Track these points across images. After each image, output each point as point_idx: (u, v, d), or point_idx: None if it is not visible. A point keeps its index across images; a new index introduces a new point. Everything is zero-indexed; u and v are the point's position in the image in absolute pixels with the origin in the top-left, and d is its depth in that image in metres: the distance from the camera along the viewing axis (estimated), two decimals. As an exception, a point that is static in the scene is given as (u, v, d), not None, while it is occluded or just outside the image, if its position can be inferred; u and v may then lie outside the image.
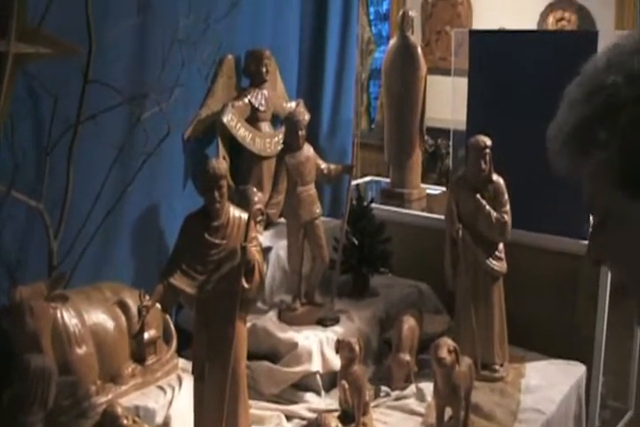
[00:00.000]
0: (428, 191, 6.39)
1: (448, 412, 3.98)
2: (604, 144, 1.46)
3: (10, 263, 4.10)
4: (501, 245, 4.61)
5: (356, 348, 4.04)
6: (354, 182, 5.52)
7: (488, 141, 4.49)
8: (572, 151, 1.57)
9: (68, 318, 3.87)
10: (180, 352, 4.38)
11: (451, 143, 6.38)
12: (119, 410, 3.46)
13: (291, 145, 4.67)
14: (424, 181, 6.73)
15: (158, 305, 3.72)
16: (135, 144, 4.37)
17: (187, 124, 4.86)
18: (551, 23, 8.69)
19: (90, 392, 3.86)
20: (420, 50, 6.14)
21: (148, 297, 3.59)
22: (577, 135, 1.53)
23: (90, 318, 3.98)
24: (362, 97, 8.77)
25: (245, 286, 3.57)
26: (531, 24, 8.67)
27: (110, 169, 4.23)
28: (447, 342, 3.84)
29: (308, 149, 4.71)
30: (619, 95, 1.42)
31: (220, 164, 3.68)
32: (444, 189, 6.35)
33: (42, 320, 3.66)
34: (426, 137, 7.23)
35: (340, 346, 4.08)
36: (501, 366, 4.68)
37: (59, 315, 3.82)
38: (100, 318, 4.03)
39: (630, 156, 1.42)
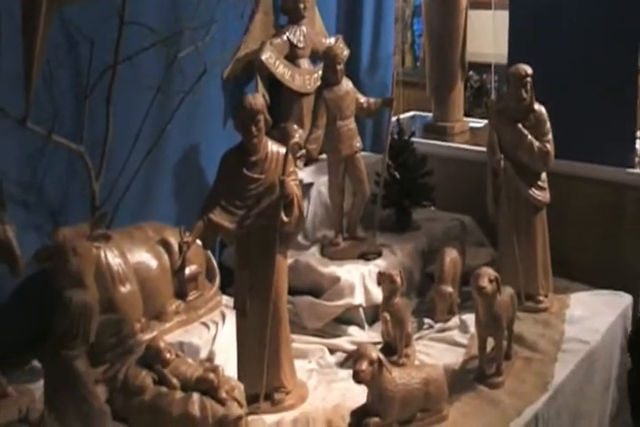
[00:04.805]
0: (471, 124, 6.30)
1: (491, 343, 3.97)
2: None
3: (53, 207, 4.18)
4: (544, 175, 4.54)
5: (398, 279, 4.05)
6: (397, 117, 5.47)
7: (529, 70, 4.39)
8: None
9: (112, 257, 3.94)
10: (225, 289, 4.43)
11: (492, 76, 6.28)
12: (162, 344, 3.52)
13: (329, 80, 4.62)
14: (470, 116, 6.66)
15: (199, 242, 3.76)
16: (172, 84, 4.38)
17: (224, 63, 4.85)
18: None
19: (134, 330, 3.94)
20: (459, -18, 6.01)
21: (188, 234, 3.62)
22: None
23: (133, 257, 4.05)
24: (406, 34, 8.61)
25: (284, 219, 3.58)
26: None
27: (148, 109, 4.25)
28: (488, 272, 3.81)
29: (346, 84, 4.66)
30: None
31: (257, 99, 3.66)
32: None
33: (85, 259, 3.72)
34: (471, 72, 7.12)
35: (382, 278, 4.08)
36: (545, 296, 4.65)
37: (102, 255, 3.88)
38: (143, 256, 4.09)
39: None
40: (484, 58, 6.69)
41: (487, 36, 6.10)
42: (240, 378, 3.69)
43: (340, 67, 4.59)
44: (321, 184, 4.95)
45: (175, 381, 3.44)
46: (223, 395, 3.37)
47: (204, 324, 4.19)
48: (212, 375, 3.40)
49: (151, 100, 4.25)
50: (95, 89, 4.05)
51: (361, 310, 4.49)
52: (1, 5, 3.49)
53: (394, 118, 5.05)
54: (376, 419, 3.41)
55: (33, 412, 2.76)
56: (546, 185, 4.54)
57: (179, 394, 3.39)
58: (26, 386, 3.62)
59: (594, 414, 4.39)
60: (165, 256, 4.14)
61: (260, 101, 3.64)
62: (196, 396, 3.35)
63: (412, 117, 6.65)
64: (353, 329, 4.47)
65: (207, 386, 3.39)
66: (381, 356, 3.38)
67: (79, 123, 4.06)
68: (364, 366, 3.30)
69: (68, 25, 3.98)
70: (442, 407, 3.63)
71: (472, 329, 4.26)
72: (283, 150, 3.63)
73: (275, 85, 5.13)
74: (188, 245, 3.59)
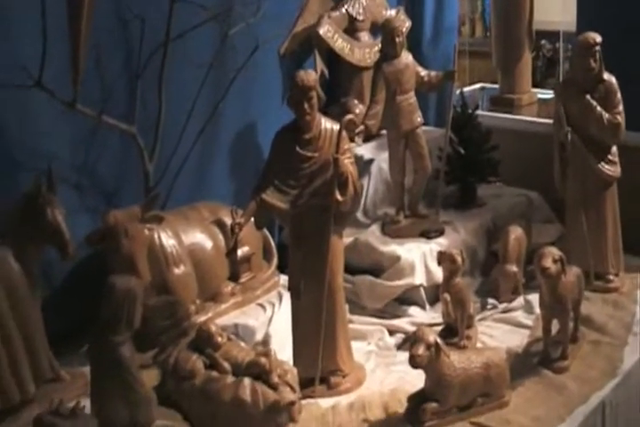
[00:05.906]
0: (540, 96, 6.09)
1: (556, 325, 3.81)
2: None
3: (106, 189, 4.14)
4: (614, 149, 4.34)
5: (459, 259, 3.91)
6: (460, 89, 5.30)
7: (598, 38, 4.17)
8: None
9: (166, 238, 3.89)
10: (284, 270, 4.34)
11: (561, 44, 6.06)
12: (213, 328, 3.45)
13: (388, 53, 4.48)
14: (542, 86, 6.46)
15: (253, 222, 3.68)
16: (225, 61, 4.30)
17: (279, 39, 4.72)
18: None
19: (189, 312, 3.89)
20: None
21: (241, 214, 3.54)
22: None
23: (187, 238, 3.99)
24: (476, 3, 8.41)
25: (339, 198, 3.47)
26: None
27: (201, 87, 4.18)
28: (552, 251, 3.64)
29: (406, 57, 4.50)
30: None
31: (309, 75, 3.54)
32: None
33: (137, 242, 3.68)
34: (543, 41, 6.91)
35: (442, 258, 3.95)
36: (616, 275, 4.46)
37: (155, 236, 3.84)
38: (197, 237, 4.03)
39: None
40: (552, 26, 6.48)
41: (556, 2, 5.87)
42: (295, 361, 3.62)
43: (399, 39, 4.44)
44: (381, 160, 4.82)
45: (226, 365, 3.38)
46: (275, 380, 3.29)
47: (261, 305, 4.13)
48: (263, 360, 3.32)
49: (203, 79, 4.17)
50: (147, 68, 3.99)
51: (422, 289, 4.37)
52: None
53: (457, 91, 4.89)
54: (434, 404, 3.32)
55: (64, 404, 2.71)
56: (616, 159, 4.34)
57: (230, 379, 3.32)
58: (79, 369, 3.59)
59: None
60: (221, 237, 4.09)
61: (312, 77, 3.52)
62: (247, 381, 3.28)
63: (482, 89, 6.46)
64: (414, 309, 4.36)
65: (259, 370, 3.31)
66: (439, 340, 3.27)
67: (131, 103, 4.01)
68: (421, 350, 3.20)
69: (118, 4, 3.92)
70: (503, 393, 3.50)
71: (537, 310, 4.10)
72: (337, 127, 3.52)
73: (334, 60, 5.00)
74: (241, 226, 3.52)
